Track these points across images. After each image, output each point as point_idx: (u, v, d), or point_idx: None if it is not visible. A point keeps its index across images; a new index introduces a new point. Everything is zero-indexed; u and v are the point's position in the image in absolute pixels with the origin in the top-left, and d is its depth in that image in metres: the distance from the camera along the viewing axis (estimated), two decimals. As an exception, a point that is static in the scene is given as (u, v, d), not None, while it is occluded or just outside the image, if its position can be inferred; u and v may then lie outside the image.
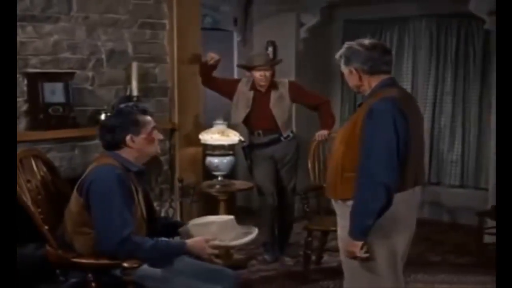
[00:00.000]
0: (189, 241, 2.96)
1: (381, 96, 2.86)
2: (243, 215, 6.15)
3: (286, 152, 5.24)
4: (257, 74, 5.07)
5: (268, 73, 5.09)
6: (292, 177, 5.31)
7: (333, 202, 3.05)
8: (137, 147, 3.03)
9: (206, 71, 5.14)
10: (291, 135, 5.28)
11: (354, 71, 2.97)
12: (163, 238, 3.03)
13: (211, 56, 5.07)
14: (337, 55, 3.05)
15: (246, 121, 5.20)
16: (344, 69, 3.02)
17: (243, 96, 5.19)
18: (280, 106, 5.16)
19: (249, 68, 5.16)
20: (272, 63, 5.25)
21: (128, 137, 3.01)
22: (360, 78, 2.97)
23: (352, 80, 3.01)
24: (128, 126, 3.01)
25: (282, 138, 5.20)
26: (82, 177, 2.98)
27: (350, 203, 2.83)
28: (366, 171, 2.76)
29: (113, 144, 3.03)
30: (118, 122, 3.03)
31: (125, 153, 3.03)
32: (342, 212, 2.96)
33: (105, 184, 2.88)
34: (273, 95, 5.15)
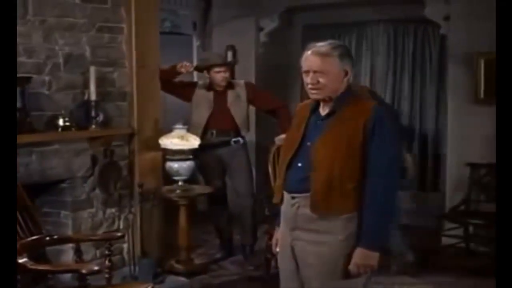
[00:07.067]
0: None
1: (370, 102, 2.80)
2: (205, 221, 6.14)
3: (233, 157, 5.29)
4: (217, 75, 5.14)
5: (227, 74, 5.18)
6: (242, 183, 5.32)
7: (313, 217, 2.63)
8: None
9: (168, 77, 5.15)
10: (241, 140, 5.32)
11: (349, 72, 2.81)
12: None
13: (185, 66, 5.16)
14: (328, 47, 2.75)
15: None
16: (335, 65, 2.76)
17: (204, 98, 5.25)
18: (238, 104, 5.25)
19: (207, 68, 5.19)
20: (228, 63, 5.30)
21: None
22: (341, 82, 2.78)
23: (336, 82, 2.79)
24: None
25: (232, 142, 5.26)
26: None
27: (345, 216, 2.60)
28: (393, 179, 2.64)
29: None
30: None
31: None
32: (331, 227, 2.63)
33: None
34: (230, 94, 5.25)
